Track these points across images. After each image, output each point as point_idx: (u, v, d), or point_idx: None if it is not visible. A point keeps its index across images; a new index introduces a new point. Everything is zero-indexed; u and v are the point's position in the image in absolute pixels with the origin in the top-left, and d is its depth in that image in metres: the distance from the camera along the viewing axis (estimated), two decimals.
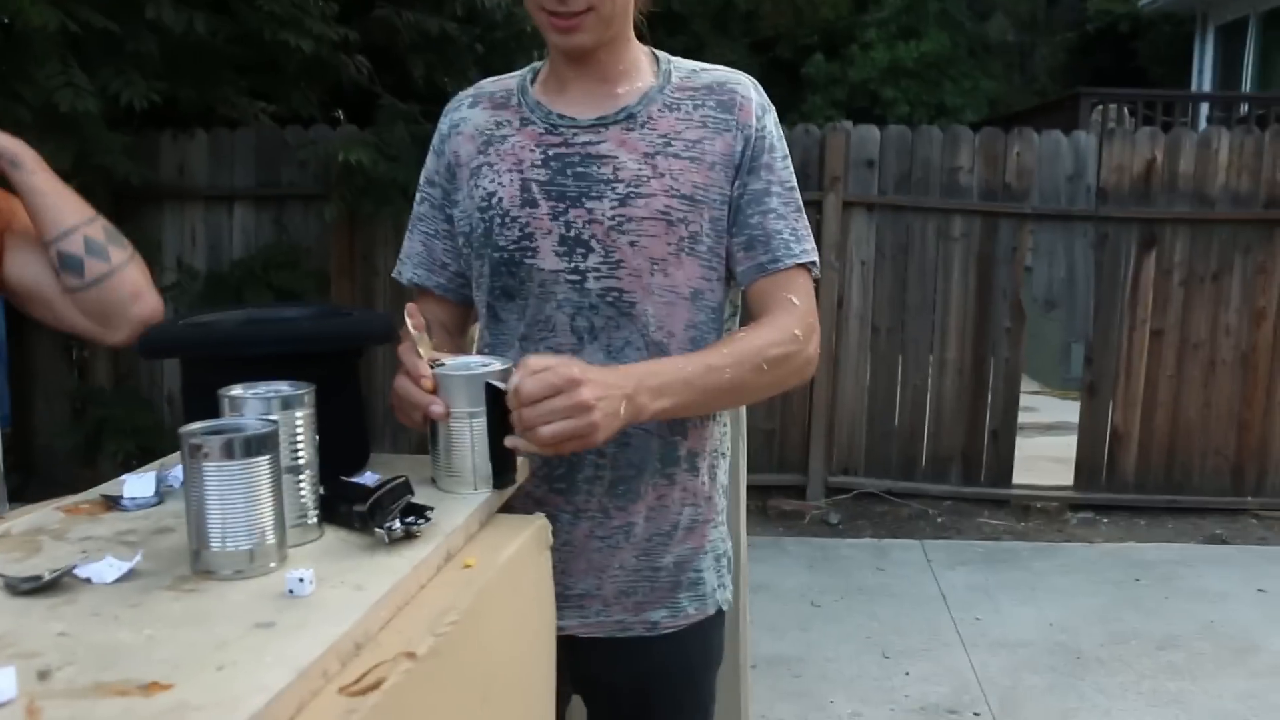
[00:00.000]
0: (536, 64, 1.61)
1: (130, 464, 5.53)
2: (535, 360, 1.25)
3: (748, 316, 1.55)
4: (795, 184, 1.54)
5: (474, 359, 1.34)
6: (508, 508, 1.34)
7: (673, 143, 1.48)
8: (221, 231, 5.84)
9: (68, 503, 1.30)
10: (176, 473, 1.30)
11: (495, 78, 1.63)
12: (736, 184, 1.50)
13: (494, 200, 1.50)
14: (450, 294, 1.61)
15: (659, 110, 1.50)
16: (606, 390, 1.25)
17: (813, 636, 4.16)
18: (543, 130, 1.51)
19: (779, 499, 5.74)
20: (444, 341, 1.55)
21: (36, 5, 4.38)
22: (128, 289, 1.49)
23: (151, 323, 1.50)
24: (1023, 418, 5.93)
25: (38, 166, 1.48)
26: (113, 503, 1.28)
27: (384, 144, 5.25)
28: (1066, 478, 5.84)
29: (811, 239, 1.54)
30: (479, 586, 1.06)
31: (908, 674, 3.85)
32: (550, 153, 1.49)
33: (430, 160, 1.61)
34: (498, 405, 1.25)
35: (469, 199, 1.53)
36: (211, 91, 5.53)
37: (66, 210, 1.48)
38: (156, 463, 1.42)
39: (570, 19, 1.41)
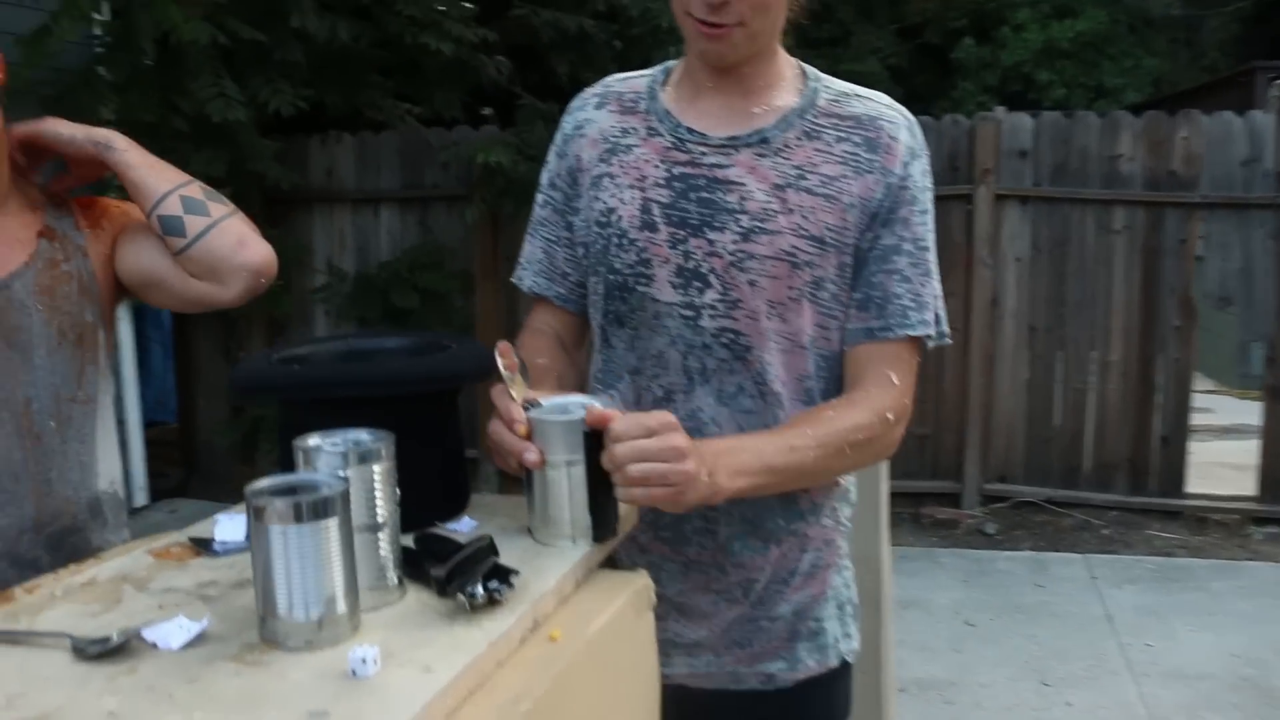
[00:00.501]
0: (670, 62, 1.50)
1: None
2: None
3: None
4: (930, 242, 1.40)
5: (573, 399, 1.24)
6: (610, 557, 1.24)
7: (807, 176, 1.36)
8: (369, 233, 5.93)
9: (160, 545, 1.26)
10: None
11: (624, 75, 1.53)
12: (868, 234, 1.37)
13: (613, 218, 1.40)
14: (570, 304, 1.52)
15: (797, 137, 1.37)
16: (700, 457, 1.17)
17: (966, 659, 3.95)
18: (669, 144, 1.40)
19: (932, 507, 5.52)
20: (559, 358, 1.48)
21: (190, 21, 4.48)
22: (232, 238, 1.47)
23: (263, 270, 1.48)
24: (1197, 419, 5.56)
25: (129, 146, 1.49)
26: (202, 546, 1.23)
27: (524, 144, 5.24)
28: (1247, 486, 5.44)
29: (936, 306, 1.40)
30: (560, 666, 0.96)
31: (1069, 705, 3.61)
32: (675, 171, 1.39)
33: (552, 161, 1.52)
34: (597, 452, 1.15)
35: (589, 209, 1.44)
36: (357, 95, 5.62)
37: (161, 178, 1.48)
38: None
39: (720, 29, 1.31)
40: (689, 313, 1.36)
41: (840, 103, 1.40)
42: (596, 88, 1.52)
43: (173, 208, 1.46)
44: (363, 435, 1.07)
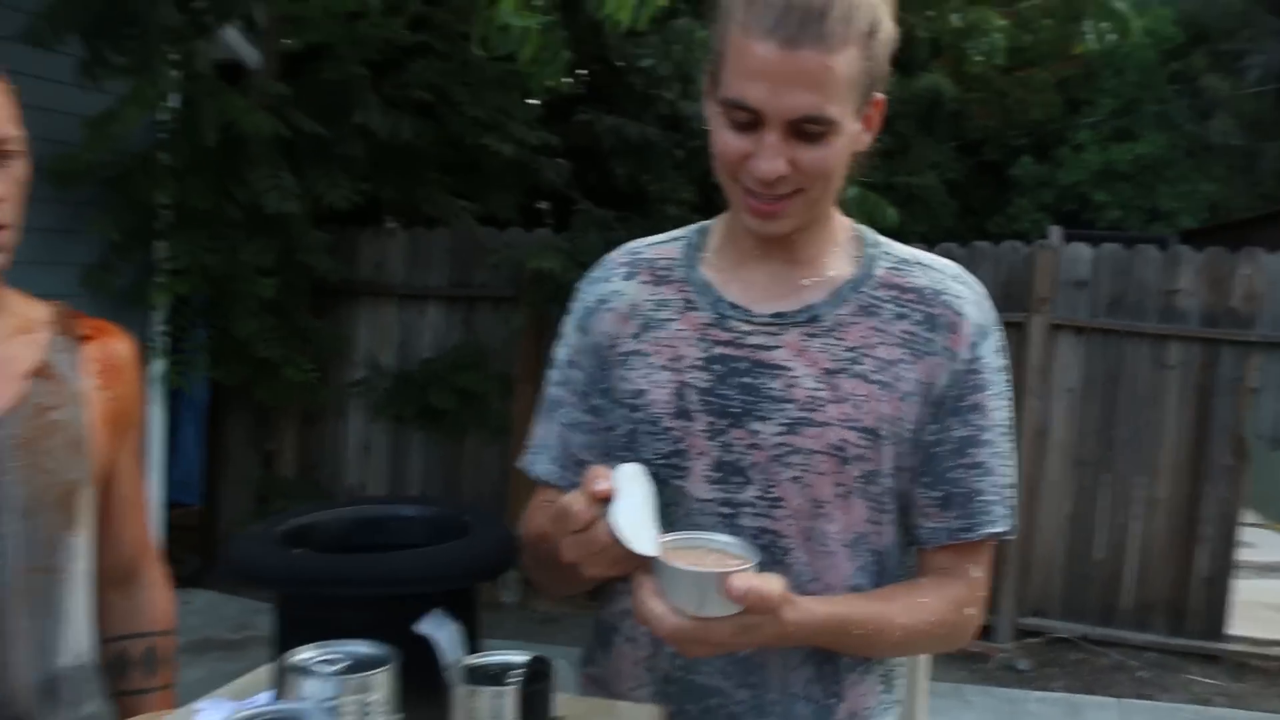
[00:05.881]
0: (706, 223, 1.40)
1: None
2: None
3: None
4: (1009, 424, 1.31)
5: (701, 535, 1.16)
6: None
7: (862, 359, 1.25)
8: (413, 329, 5.95)
9: None
10: (256, 701, 1.18)
11: (653, 240, 1.40)
12: (933, 426, 1.27)
13: (642, 401, 1.29)
14: None
15: (851, 314, 1.27)
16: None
17: None
18: (709, 320, 1.29)
19: None
20: None
21: (252, 114, 4.57)
22: None
23: None
24: (1238, 554, 5.41)
25: None
26: None
27: (576, 250, 5.26)
28: None
29: (1014, 493, 1.32)
30: None
31: None
32: (715, 352, 1.28)
33: (572, 336, 1.39)
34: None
35: (616, 389, 1.33)
36: (414, 191, 5.69)
37: None
38: (235, 686, 1.31)
39: (773, 203, 1.20)
40: (727, 510, 1.26)
41: (901, 272, 1.30)
42: (622, 255, 1.40)
43: None
44: (362, 650, 1.00)
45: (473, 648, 1.21)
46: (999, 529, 1.29)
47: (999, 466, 1.30)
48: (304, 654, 1.00)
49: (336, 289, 5.73)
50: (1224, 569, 5.28)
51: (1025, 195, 13.37)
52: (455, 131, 5.49)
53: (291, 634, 1.05)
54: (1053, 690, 4.92)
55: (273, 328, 5.25)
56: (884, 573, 1.31)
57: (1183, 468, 5.30)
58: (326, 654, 1.00)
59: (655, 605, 1.07)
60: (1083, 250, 5.40)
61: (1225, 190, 13.66)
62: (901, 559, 1.34)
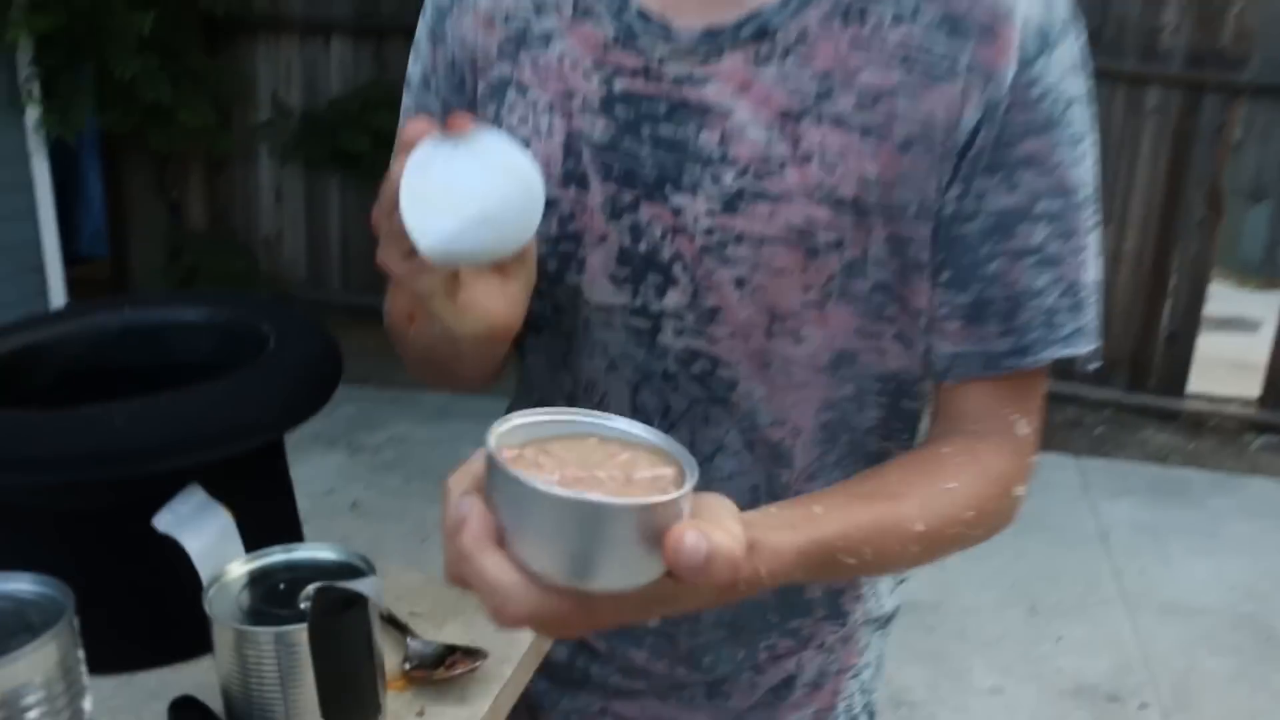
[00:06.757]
0: None
1: None
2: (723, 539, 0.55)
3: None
4: (1090, 188, 0.81)
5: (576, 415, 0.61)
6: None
7: (837, 93, 0.77)
8: (318, 67, 5.39)
9: None
10: None
11: None
12: (956, 187, 0.78)
13: None
14: None
15: (821, 21, 0.77)
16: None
17: (950, 577, 3.62)
18: (610, 36, 0.82)
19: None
20: None
21: None
22: None
23: None
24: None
25: None
26: None
27: None
28: (1244, 387, 5.10)
29: (1097, 298, 0.83)
30: None
31: (1060, 639, 3.30)
32: (617, 87, 0.82)
33: (424, 47, 0.92)
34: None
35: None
36: None
37: None
38: None
39: None
40: (641, 322, 0.84)
41: None
42: None
43: None
44: (25, 591, 0.60)
45: (270, 536, 0.79)
46: (1072, 350, 0.82)
47: (1070, 254, 0.80)
48: None
49: (231, 25, 5.11)
50: (1190, 326, 5.06)
51: None
52: None
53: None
54: None
55: (159, 68, 4.66)
56: (897, 407, 0.87)
57: (1153, 220, 4.98)
58: None
59: (495, 568, 0.54)
60: None
61: None
62: (919, 388, 0.89)
